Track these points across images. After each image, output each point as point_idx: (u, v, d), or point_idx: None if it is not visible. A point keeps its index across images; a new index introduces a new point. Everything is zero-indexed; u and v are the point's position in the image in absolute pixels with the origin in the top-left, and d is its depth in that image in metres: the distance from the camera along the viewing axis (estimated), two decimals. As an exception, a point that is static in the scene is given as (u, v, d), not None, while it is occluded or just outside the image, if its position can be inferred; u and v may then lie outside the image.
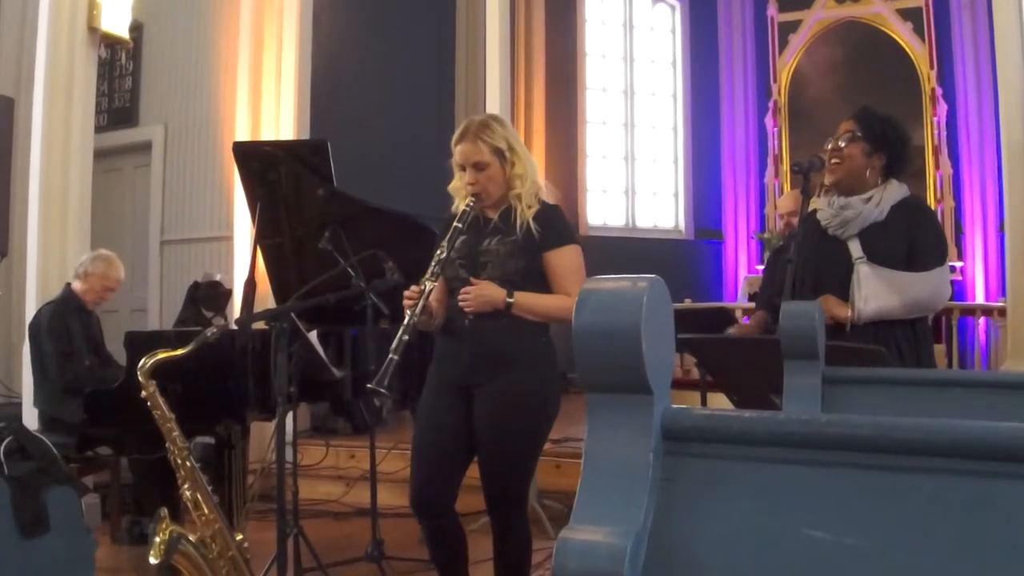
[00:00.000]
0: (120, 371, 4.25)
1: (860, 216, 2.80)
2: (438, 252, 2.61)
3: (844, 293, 2.77)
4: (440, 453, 2.67)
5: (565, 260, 2.66)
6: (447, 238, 2.62)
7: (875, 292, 2.73)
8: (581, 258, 2.72)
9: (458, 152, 2.67)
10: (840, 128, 2.86)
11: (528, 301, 2.60)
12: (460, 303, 2.58)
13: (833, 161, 2.84)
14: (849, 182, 2.84)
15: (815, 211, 2.97)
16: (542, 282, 2.66)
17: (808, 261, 2.86)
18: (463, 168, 2.67)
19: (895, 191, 2.85)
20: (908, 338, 2.80)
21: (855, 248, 2.80)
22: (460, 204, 2.70)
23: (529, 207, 2.65)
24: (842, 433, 0.90)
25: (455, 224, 2.63)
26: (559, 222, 2.72)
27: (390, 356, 2.44)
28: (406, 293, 2.58)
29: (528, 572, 2.74)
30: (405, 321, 2.51)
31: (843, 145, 2.83)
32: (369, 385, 2.43)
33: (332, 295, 2.93)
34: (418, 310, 2.50)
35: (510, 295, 2.58)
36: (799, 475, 0.91)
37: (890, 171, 2.87)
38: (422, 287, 2.54)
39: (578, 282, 2.68)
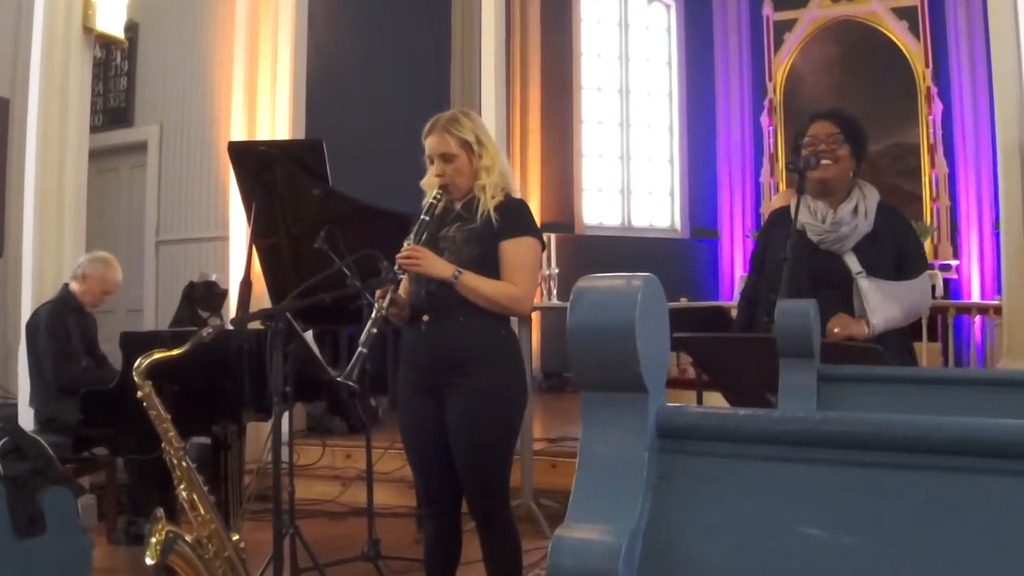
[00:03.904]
0: (114, 372, 4.25)
1: (856, 231, 2.83)
2: (406, 244, 2.62)
3: (844, 307, 2.78)
4: (430, 454, 2.68)
5: (518, 251, 2.64)
6: (415, 230, 2.66)
7: (880, 305, 2.76)
8: (537, 253, 2.71)
9: (427, 145, 2.72)
10: (820, 130, 2.87)
11: (473, 282, 2.58)
12: (403, 262, 2.56)
13: (825, 161, 2.84)
14: (835, 184, 2.87)
15: (787, 207, 2.95)
16: (497, 272, 2.64)
17: (802, 273, 2.84)
18: (432, 161, 2.71)
19: (871, 194, 2.89)
20: (896, 334, 2.84)
21: (852, 263, 2.81)
22: (429, 198, 2.73)
23: (493, 197, 2.66)
24: (837, 431, 0.90)
25: (423, 217, 2.67)
26: (521, 214, 2.72)
27: (359, 349, 2.47)
28: (377, 288, 2.61)
29: (520, 572, 2.74)
30: (373, 314, 2.52)
31: (835, 147, 2.84)
32: (338, 378, 2.45)
33: (328, 295, 2.92)
34: (386, 303, 2.53)
35: (458, 272, 2.57)
36: (794, 473, 0.91)
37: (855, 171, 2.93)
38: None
39: (528, 276, 2.67)
